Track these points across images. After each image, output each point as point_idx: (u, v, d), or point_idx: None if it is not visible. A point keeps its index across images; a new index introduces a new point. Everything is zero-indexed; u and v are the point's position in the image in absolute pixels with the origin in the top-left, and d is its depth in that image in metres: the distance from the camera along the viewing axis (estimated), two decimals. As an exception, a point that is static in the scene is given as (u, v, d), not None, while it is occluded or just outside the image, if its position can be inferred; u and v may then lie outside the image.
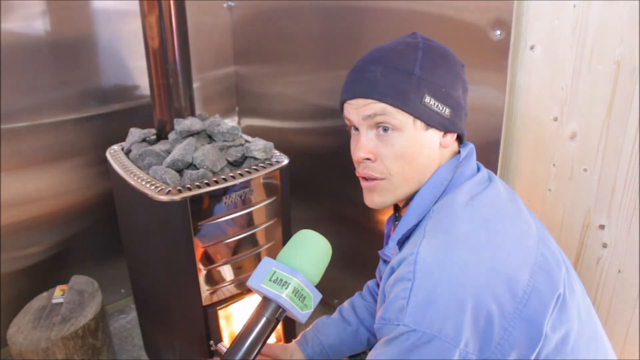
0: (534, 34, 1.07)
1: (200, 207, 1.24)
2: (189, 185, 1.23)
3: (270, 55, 1.84)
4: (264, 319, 0.68)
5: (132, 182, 1.28)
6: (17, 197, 1.62)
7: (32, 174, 1.65)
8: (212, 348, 1.39)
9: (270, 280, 0.68)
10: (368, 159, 0.75)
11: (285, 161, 1.39)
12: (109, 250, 1.87)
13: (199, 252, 1.28)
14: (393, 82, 0.72)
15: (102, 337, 1.55)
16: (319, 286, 0.71)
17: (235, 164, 1.38)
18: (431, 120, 0.73)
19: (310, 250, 0.72)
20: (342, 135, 1.58)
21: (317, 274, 0.72)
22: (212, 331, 1.38)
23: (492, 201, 0.74)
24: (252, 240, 1.39)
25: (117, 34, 1.70)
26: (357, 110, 0.75)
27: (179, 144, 1.35)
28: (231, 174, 1.30)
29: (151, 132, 1.52)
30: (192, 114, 1.49)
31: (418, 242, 0.67)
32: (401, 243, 0.76)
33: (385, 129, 0.73)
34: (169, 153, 1.36)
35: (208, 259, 1.31)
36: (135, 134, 1.50)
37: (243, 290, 1.42)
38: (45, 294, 1.60)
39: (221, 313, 1.40)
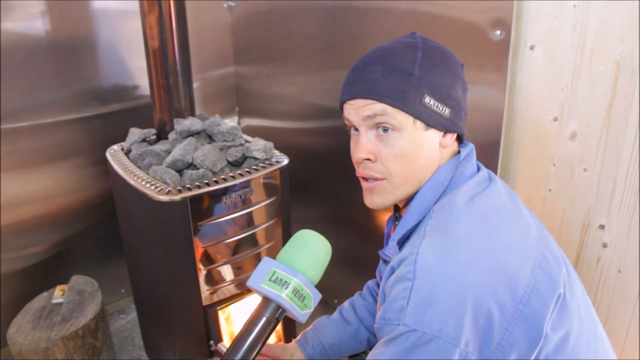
0: (534, 33, 1.07)
1: (200, 207, 1.24)
2: (189, 185, 1.23)
3: (270, 55, 1.84)
4: (263, 319, 0.68)
5: (132, 182, 1.28)
6: (17, 197, 1.62)
7: (32, 174, 1.65)
8: (212, 348, 1.39)
9: (270, 280, 0.68)
10: (368, 159, 0.75)
11: (285, 161, 1.39)
12: (109, 250, 1.87)
13: (199, 252, 1.28)
14: (393, 82, 0.72)
15: (102, 337, 1.55)
16: (319, 286, 0.71)
17: (235, 164, 1.38)
18: (431, 121, 0.73)
19: (310, 250, 0.72)
20: (342, 135, 1.58)
21: (317, 274, 0.72)
22: (212, 331, 1.38)
23: (492, 201, 0.74)
24: (252, 240, 1.39)
25: (117, 34, 1.70)
26: (356, 110, 0.75)
27: (179, 144, 1.35)
28: (231, 174, 1.30)
29: (151, 132, 1.52)
30: (192, 114, 1.49)
31: (418, 242, 0.67)
32: (401, 243, 0.76)
33: (385, 130, 0.73)
34: (169, 153, 1.36)
35: (208, 259, 1.31)
36: (135, 134, 1.50)
37: (243, 290, 1.42)
38: (45, 294, 1.60)
39: (221, 313, 1.40)
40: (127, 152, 1.47)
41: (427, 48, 0.75)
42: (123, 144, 1.53)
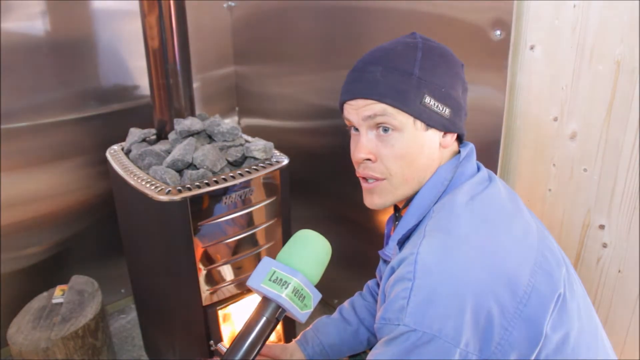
0: (534, 34, 1.07)
1: (200, 207, 1.24)
2: (189, 185, 1.23)
3: (270, 55, 1.84)
4: (263, 319, 0.68)
5: (132, 182, 1.28)
6: (17, 197, 1.62)
7: (32, 174, 1.65)
8: (212, 348, 1.39)
9: (270, 280, 0.68)
10: (368, 159, 0.75)
11: (285, 161, 1.39)
12: (109, 250, 1.87)
13: (199, 252, 1.28)
14: (393, 82, 0.72)
15: (102, 337, 1.55)
16: (319, 286, 0.71)
17: (235, 164, 1.38)
18: (431, 121, 0.73)
19: (310, 250, 0.72)
20: (342, 135, 1.58)
21: (317, 274, 0.72)
22: (212, 331, 1.38)
23: (492, 201, 0.74)
24: (252, 240, 1.39)
25: (117, 34, 1.70)
26: (357, 110, 0.75)
27: (179, 144, 1.35)
28: (231, 174, 1.30)
29: (151, 132, 1.52)
30: (192, 114, 1.49)
31: (418, 242, 0.67)
32: (401, 243, 0.76)
33: (386, 130, 0.73)
34: (169, 153, 1.36)
35: (208, 259, 1.31)
36: (135, 134, 1.50)
37: (243, 290, 1.42)
38: (45, 294, 1.60)
39: (221, 313, 1.40)
40: (127, 152, 1.47)
41: (427, 48, 0.75)
42: (123, 144, 1.53)
